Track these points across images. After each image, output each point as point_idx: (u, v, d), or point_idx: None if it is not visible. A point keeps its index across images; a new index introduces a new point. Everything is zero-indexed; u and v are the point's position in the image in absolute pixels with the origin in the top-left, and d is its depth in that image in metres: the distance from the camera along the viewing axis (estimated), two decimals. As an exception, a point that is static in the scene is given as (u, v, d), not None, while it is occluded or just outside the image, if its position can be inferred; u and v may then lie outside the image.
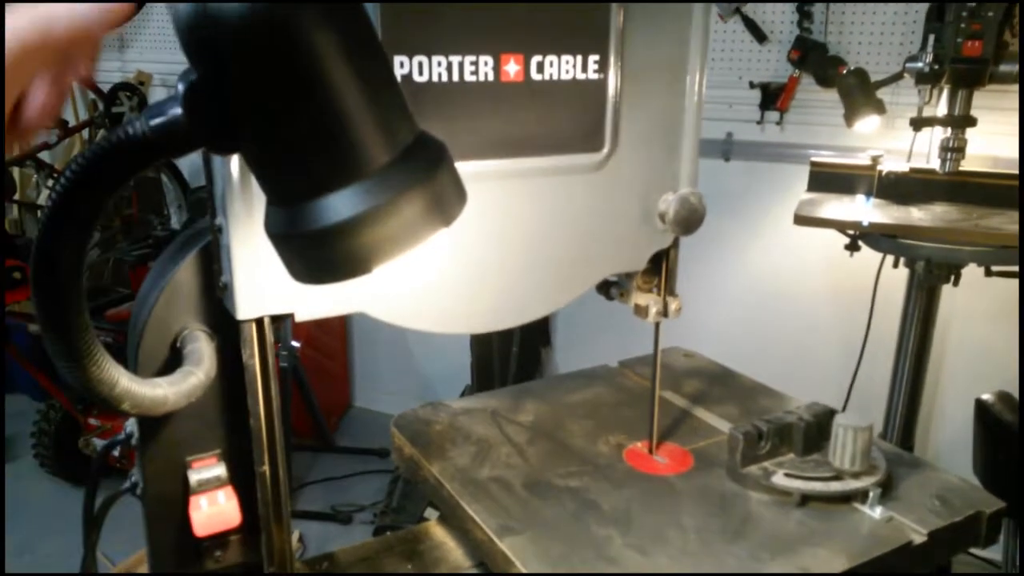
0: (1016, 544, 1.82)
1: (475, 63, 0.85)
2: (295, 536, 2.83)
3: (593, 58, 0.92)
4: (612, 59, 0.93)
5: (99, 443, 3.04)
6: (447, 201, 0.57)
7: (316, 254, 0.56)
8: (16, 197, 4.16)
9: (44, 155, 4.06)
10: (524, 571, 0.90)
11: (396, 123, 0.56)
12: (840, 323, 2.77)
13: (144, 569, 0.97)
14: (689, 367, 1.44)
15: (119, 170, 0.59)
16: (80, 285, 0.63)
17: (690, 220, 1.00)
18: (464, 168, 0.86)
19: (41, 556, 2.72)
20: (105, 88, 3.80)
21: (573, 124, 0.93)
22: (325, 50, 0.51)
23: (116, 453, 1.02)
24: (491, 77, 0.86)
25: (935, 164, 2.32)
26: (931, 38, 2.14)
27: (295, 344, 3.06)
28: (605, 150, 0.96)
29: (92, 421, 3.07)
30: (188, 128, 0.55)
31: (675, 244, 1.06)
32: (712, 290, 2.97)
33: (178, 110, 0.56)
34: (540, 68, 0.89)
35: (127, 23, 0.66)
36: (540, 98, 0.90)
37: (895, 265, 2.29)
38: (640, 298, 1.09)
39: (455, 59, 0.84)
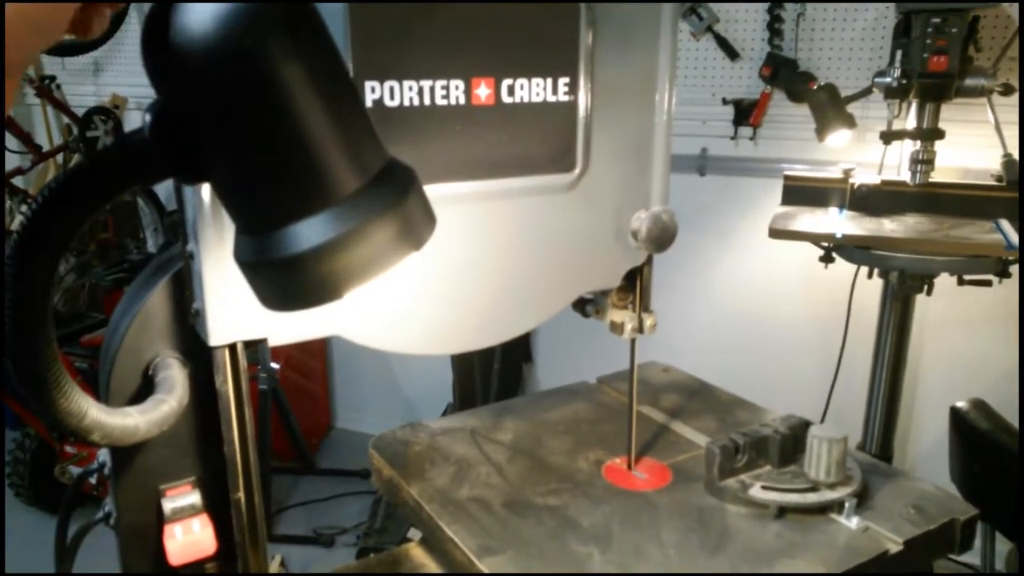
0: (992, 548, 1.84)
1: (446, 87, 0.86)
2: (277, 561, 2.79)
3: (563, 80, 0.93)
4: (582, 80, 0.94)
5: (75, 471, 2.99)
6: (417, 225, 0.58)
7: (286, 281, 0.56)
8: (-11, 223, 4.11)
9: (17, 180, 4.02)
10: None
11: (365, 150, 0.56)
12: (817, 335, 2.80)
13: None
14: (667, 382, 1.45)
15: (90, 198, 0.59)
16: (48, 314, 0.62)
17: (662, 238, 1.01)
18: (437, 190, 0.87)
19: (16, 588, 2.67)
20: (79, 112, 3.78)
21: (545, 145, 0.94)
22: (292, 79, 0.51)
23: (93, 481, 1.01)
24: (462, 100, 0.87)
25: (906, 176, 2.36)
26: (899, 53, 2.18)
27: (274, 366, 3.04)
28: (577, 170, 0.97)
29: (68, 449, 3.02)
30: (156, 157, 0.55)
31: (648, 261, 1.07)
32: (689, 304, 2.99)
33: (147, 138, 0.56)
34: (511, 91, 0.90)
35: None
36: (511, 120, 0.90)
37: (869, 276, 2.32)
38: (615, 315, 1.10)
39: (426, 83, 0.85)
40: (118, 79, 3.95)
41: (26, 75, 3.80)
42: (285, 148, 0.52)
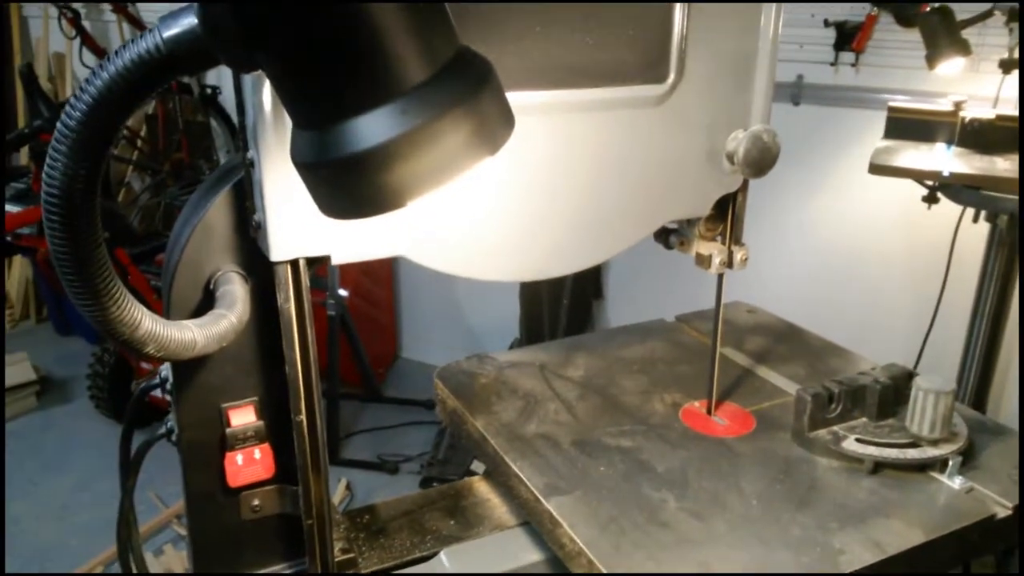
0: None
1: (526, -21, 0.77)
2: (342, 485, 2.85)
3: (659, -25, 0.83)
4: (681, -23, 0.83)
5: (152, 386, 3.08)
6: (492, 125, 0.51)
7: (346, 185, 0.50)
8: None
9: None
10: (575, 537, 0.85)
11: (434, 35, 0.49)
12: (913, 280, 2.63)
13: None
14: (752, 323, 1.36)
15: (133, 93, 0.54)
16: (95, 218, 0.58)
17: (762, 160, 0.91)
18: (511, 99, 0.78)
19: (97, 494, 2.80)
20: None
21: (634, 51, 0.85)
22: None
23: (167, 395, 0.99)
24: (543, -5, 0.78)
25: (1023, 111, 2.14)
26: (1026, -29, 1.96)
27: (343, 292, 3.04)
28: (669, 81, 0.87)
29: (144, 365, 3.12)
30: (204, 40, 0.49)
31: (743, 188, 0.98)
32: (777, 243, 2.84)
33: (193, 20, 0.50)
34: (599, -14, 0.80)
35: None
36: (597, 20, 0.81)
37: (975, 219, 2.15)
38: (703, 247, 1.01)
39: (504, -25, 0.76)
40: (192, -4, 3.93)
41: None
42: (345, 27, 0.45)
